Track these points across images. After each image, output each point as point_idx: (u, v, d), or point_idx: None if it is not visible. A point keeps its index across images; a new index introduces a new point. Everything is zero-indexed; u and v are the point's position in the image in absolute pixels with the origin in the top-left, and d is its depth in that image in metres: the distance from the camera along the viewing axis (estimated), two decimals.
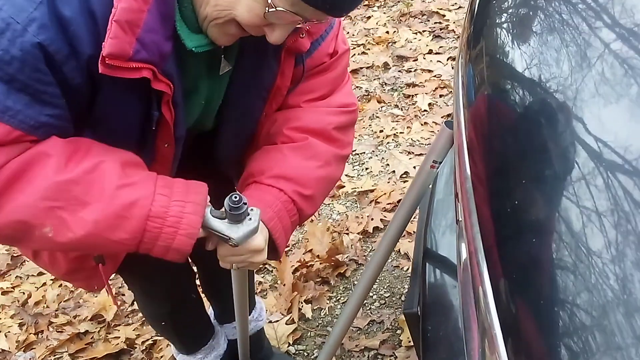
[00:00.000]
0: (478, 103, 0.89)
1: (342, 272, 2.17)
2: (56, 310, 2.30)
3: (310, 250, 2.26)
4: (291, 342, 1.99)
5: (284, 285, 2.16)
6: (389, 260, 2.17)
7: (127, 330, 2.15)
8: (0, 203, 0.85)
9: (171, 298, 1.49)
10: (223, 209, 0.94)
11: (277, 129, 1.09)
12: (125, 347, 2.10)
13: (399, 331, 1.92)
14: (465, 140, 0.86)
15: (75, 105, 0.90)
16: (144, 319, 2.18)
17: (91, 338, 2.17)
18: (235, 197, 0.90)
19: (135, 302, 2.26)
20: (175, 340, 1.68)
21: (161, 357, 2.04)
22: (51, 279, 2.41)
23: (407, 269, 2.11)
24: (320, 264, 2.16)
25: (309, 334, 2.01)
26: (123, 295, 2.32)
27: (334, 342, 1.51)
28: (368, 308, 2.03)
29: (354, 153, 2.68)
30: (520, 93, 0.83)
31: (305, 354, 1.96)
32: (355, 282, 2.12)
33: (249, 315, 1.76)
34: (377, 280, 2.10)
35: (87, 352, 2.12)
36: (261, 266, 2.18)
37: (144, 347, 2.08)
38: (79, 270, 1.23)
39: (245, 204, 0.91)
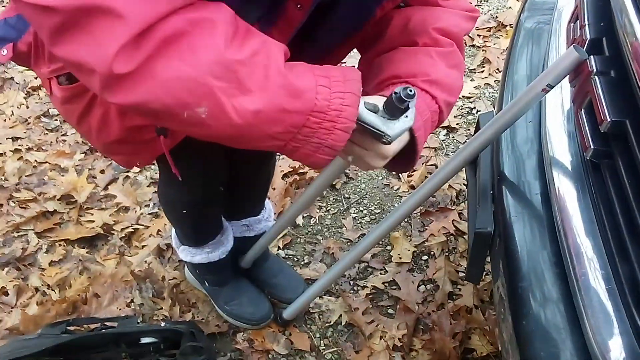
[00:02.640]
0: None
1: (333, 183, 2.16)
2: (17, 185, 2.11)
3: None
4: (281, 247, 1.98)
5: (274, 189, 2.12)
6: (380, 178, 2.19)
7: (102, 214, 2.04)
8: (152, 69, 0.72)
9: (205, 186, 1.41)
10: (374, 102, 0.88)
11: (420, 27, 1.01)
12: (102, 232, 1.99)
13: (389, 247, 1.97)
14: None
15: None
16: (120, 205, 2.07)
17: (60, 219, 2.04)
18: (411, 91, 0.84)
19: (109, 186, 2.14)
20: (188, 231, 1.61)
21: (143, 246, 1.96)
22: (11, 150, 2.19)
23: (398, 188, 2.15)
24: (315, 172, 2.14)
25: (298, 240, 2.01)
26: (95, 177, 2.17)
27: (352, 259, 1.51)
28: (358, 222, 2.06)
29: None
30: None
31: (295, 258, 1.96)
32: (346, 195, 2.14)
33: (259, 215, 1.73)
34: (368, 196, 2.14)
35: (56, 232, 1.99)
36: None
37: (124, 235, 1.99)
38: (129, 142, 1.13)
39: (409, 108, 0.86)
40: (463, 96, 2.45)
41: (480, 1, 3.03)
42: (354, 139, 0.92)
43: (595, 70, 0.97)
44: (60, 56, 0.74)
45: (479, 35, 2.78)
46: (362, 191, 2.15)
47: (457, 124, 2.31)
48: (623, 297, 0.89)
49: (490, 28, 2.79)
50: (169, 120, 0.79)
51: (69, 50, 0.72)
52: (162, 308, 1.82)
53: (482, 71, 2.56)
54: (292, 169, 2.17)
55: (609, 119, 0.90)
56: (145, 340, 1.54)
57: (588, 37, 1.04)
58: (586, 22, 1.07)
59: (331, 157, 0.87)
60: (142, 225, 2.03)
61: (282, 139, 0.83)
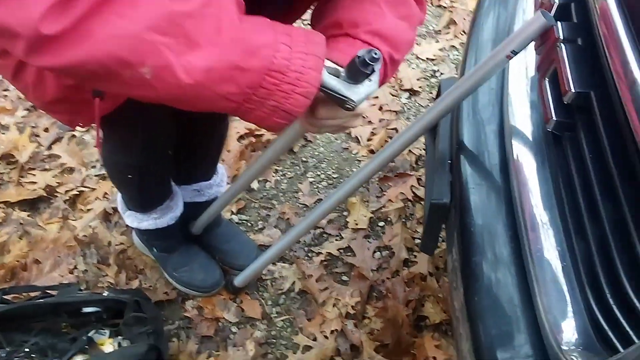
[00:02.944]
0: None
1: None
2: None
3: None
4: (234, 211, 1.91)
5: (229, 151, 2.04)
6: (339, 142, 2.13)
7: (45, 176, 1.92)
8: (87, 27, 0.64)
9: (150, 149, 1.33)
10: (335, 65, 0.81)
11: None
12: (44, 194, 1.88)
13: (345, 213, 1.93)
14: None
15: None
16: (65, 165, 1.96)
17: None
18: (376, 55, 0.78)
19: (52, 146, 2.02)
20: (134, 195, 1.52)
21: (88, 209, 1.87)
22: None
23: (357, 152, 2.09)
24: (272, 134, 2.06)
25: (252, 204, 1.95)
26: (38, 136, 2.04)
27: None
28: (315, 187, 2.00)
29: None
30: None
31: (249, 224, 1.90)
32: (304, 159, 2.07)
33: (211, 180, 1.66)
34: (326, 160, 2.08)
35: None
36: None
37: (67, 197, 1.89)
38: (67, 101, 1.03)
39: (374, 72, 0.80)
40: (427, 58, 2.39)
41: None
42: (314, 106, 0.86)
43: (561, 38, 0.92)
44: None
45: None
46: (320, 155, 2.09)
47: (419, 87, 2.25)
48: (578, 276, 0.86)
49: None
50: (109, 82, 0.71)
51: None
52: (107, 275, 1.74)
53: (448, 33, 2.50)
54: (248, 131, 2.09)
55: (573, 90, 0.85)
56: (87, 309, 1.46)
57: (556, 1, 0.98)
58: None
59: (288, 122, 0.81)
60: (88, 187, 1.93)
61: (235, 100, 0.76)
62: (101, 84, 0.76)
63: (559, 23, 0.93)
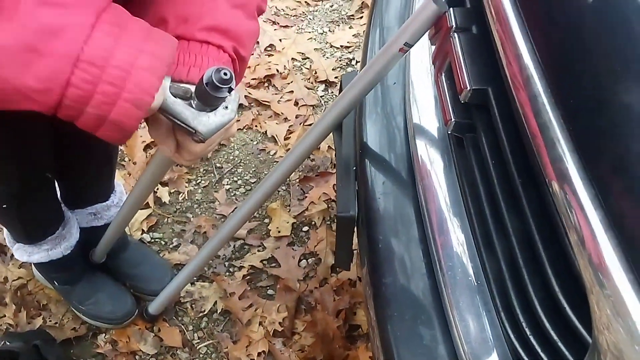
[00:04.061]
0: None
1: None
2: None
3: None
4: (145, 229, 1.76)
5: (135, 163, 1.87)
6: (254, 143, 1.99)
7: None
8: None
9: (23, 177, 1.16)
10: (185, 86, 0.67)
11: None
12: None
13: (266, 220, 1.80)
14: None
15: None
16: None
17: None
18: (226, 75, 0.64)
19: None
20: (16, 227, 1.35)
21: None
22: None
23: (275, 153, 1.96)
24: None
25: (165, 220, 1.79)
26: None
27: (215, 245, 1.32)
28: (232, 194, 1.86)
29: None
30: None
31: (163, 242, 1.75)
32: (218, 165, 1.92)
33: (108, 200, 1.49)
34: (242, 164, 1.94)
35: None
36: None
37: None
38: None
39: (232, 88, 0.66)
40: (341, 46, 2.26)
41: None
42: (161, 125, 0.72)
43: (454, 26, 0.80)
44: None
45: None
46: (236, 159, 1.94)
47: (335, 77, 2.12)
48: (493, 298, 0.76)
49: None
50: None
51: None
52: (4, 316, 1.56)
53: (361, 17, 2.37)
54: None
55: (468, 87, 0.74)
56: None
57: None
58: None
59: (122, 136, 0.66)
60: None
61: (41, 100, 0.59)
62: None
63: (451, 9, 0.81)
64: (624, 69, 0.54)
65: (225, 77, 0.64)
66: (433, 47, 0.90)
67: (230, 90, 0.66)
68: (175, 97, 0.67)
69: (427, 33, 0.84)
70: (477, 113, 0.76)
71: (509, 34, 0.64)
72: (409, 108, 1.00)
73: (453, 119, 0.79)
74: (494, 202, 0.74)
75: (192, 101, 0.68)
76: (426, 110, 0.99)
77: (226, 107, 0.69)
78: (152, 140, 1.89)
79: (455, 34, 0.79)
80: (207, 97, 0.66)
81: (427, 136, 0.95)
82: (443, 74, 0.85)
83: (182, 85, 0.69)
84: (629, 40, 0.56)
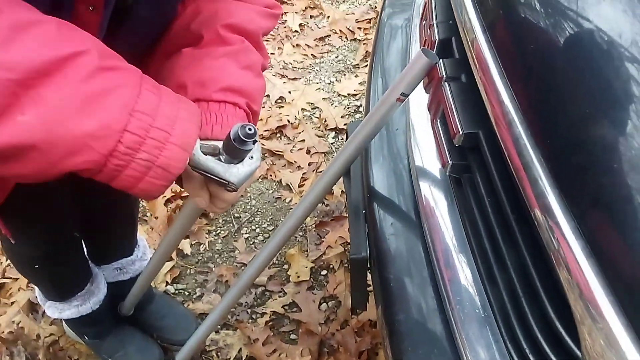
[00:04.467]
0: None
1: None
2: None
3: None
4: (169, 281, 1.82)
5: (157, 218, 1.95)
6: (270, 192, 2.06)
7: None
8: None
9: (52, 239, 1.24)
10: (213, 143, 0.75)
11: (208, 22, 0.87)
12: None
13: (286, 266, 1.85)
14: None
15: None
16: None
17: None
18: (250, 130, 0.71)
19: None
20: (47, 285, 1.42)
21: (12, 302, 1.74)
22: None
23: (290, 200, 2.02)
24: None
25: (188, 271, 1.85)
26: None
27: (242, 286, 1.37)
28: (252, 242, 1.92)
29: None
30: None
31: (186, 293, 1.80)
32: (236, 215, 1.99)
33: (132, 255, 1.56)
34: (259, 213, 2.00)
35: None
36: None
37: None
38: None
39: (256, 140, 0.73)
40: (349, 94, 2.35)
41: None
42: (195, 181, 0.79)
43: (444, 76, 0.87)
44: None
45: (359, 28, 2.69)
46: (253, 208, 2.01)
47: (344, 124, 2.20)
48: (500, 330, 0.80)
49: (370, 19, 2.70)
50: None
51: None
52: None
53: (366, 66, 2.47)
54: (174, 194, 2.00)
55: (461, 132, 0.80)
56: None
57: (437, 37, 0.94)
58: (434, 21, 0.97)
59: (166, 181, 0.71)
60: (10, 278, 1.81)
61: (97, 146, 0.65)
62: None
63: (441, 61, 0.88)
64: (595, 111, 0.60)
65: (250, 132, 0.72)
66: (428, 95, 0.96)
67: (254, 142, 0.74)
68: (205, 154, 0.74)
69: (421, 83, 0.91)
70: (471, 155, 0.82)
71: (491, 83, 0.70)
72: (411, 152, 1.06)
73: (450, 162, 0.85)
74: (493, 237, 0.79)
75: (220, 156, 0.75)
76: (427, 153, 1.05)
77: (251, 157, 0.76)
78: (173, 195, 1.98)
79: (446, 83, 0.85)
80: (235, 151, 0.73)
81: (429, 178, 1.01)
82: (438, 120, 0.91)
83: (210, 142, 0.76)
84: (598, 84, 0.62)
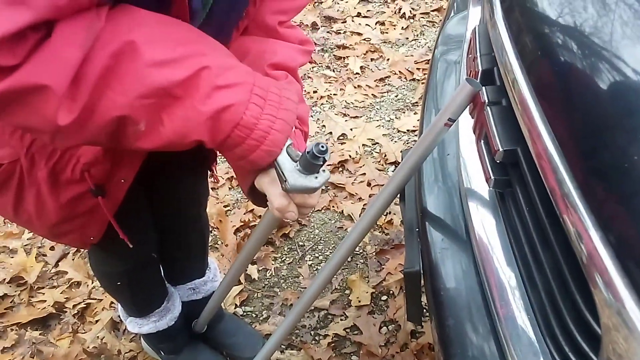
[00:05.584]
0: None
1: (286, 232, 2.13)
2: None
3: (252, 210, 2.20)
4: (238, 304, 1.94)
5: (227, 245, 2.09)
6: (332, 222, 2.17)
7: (53, 293, 1.98)
8: (91, 109, 0.77)
9: (135, 256, 1.38)
10: (298, 152, 0.90)
11: (255, 65, 1.00)
12: (54, 311, 1.93)
13: (347, 291, 1.94)
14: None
15: None
16: (72, 280, 2.02)
17: (11, 302, 1.98)
18: (323, 147, 0.86)
19: (59, 263, 2.10)
20: (128, 302, 1.57)
21: (96, 321, 1.91)
22: None
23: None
24: None
25: (255, 295, 1.97)
26: (44, 255, 2.12)
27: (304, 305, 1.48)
28: (315, 269, 2.03)
29: None
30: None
31: (254, 314, 1.92)
32: (300, 243, 2.11)
33: (204, 276, 1.70)
34: (322, 242, 2.11)
35: (8, 317, 1.93)
36: None
37: (76, 311, 1.94)
38: (72, 217, 1.12)
39: (325, 161, 0.87)
40: (408, 130, 2.46)
41: (417, 35, 3.09)
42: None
43: (487, 101, 0.97)
44: (7, 123, 0.93)
45: (418, 69, 2.81)
46: (316, 237, 2.13)
47: None
48: (540, 329, 0.87)
49: (428, 60, 2.82)
50: (121, 140, 0.84)
51: (15, 121, 0.79)
52: None
53: None
54: (243, 223, 2.15)
55: (500, 149, 0.89)
56: None
57: (480, 68, 1.05)
58: (478, 54, 1.08)
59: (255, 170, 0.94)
60: (95, 299, 1.98)
61: (207, 140, 0.85)
62: (114, 143, 0.85)
63: (484, 88, 0.98)
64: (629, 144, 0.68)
65: (322, 149, 0.86)
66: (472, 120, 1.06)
67: (324, 160, 0.88)
68: (289, 155, 0.89)
69: (467, 108, 1.02)
70: (511, 170, 0.91)
71: (531, 121, 0.80)
72: (461, 175, 1.15)
73: (492, 177, 0.94)
74: (532, 246, 0.87)
75: (296, 163, 0.89)
76: (475, 176, 1.14)
77: (316, 177, 0.89)
78: (242, 224, 2.13)
79: (488, 107, 0.95)
80: (307, 162, 0.87)
81: (477, 197, 1.09)
82: (482, 141, 1.00)
83: (295, 150, 0.91)
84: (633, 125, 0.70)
